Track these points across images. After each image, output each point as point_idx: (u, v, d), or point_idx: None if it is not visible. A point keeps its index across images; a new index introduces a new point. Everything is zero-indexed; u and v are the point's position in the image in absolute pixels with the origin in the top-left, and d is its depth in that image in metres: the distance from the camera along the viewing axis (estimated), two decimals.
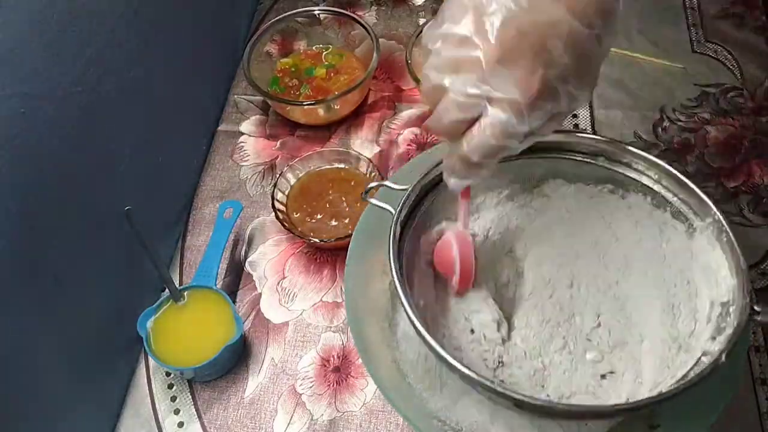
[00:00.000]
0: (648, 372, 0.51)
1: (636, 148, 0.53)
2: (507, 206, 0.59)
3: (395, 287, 0.48)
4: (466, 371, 0.43)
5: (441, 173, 0.53)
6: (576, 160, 0.56)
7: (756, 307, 0.43)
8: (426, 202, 0.54)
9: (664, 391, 0.43)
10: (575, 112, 0.79)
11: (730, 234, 0.47)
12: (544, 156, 0.56)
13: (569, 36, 0.39)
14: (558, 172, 0.57)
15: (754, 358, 0.63)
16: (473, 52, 0.40)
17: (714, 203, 0.49)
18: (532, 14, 0.39)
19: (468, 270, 0.52)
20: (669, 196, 0.52)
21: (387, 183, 0.55)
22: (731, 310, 0.45)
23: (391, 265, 0.48)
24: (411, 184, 0.53)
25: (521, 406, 0.43)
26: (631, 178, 0.54)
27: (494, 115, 0.40)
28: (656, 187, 0.53)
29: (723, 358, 0.42)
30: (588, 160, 0.55)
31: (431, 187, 0.54)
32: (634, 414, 0.49)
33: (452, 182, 0.46)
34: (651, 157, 0.53)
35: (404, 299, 0.47)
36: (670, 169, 0.52)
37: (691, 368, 0.45)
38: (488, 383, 0.43)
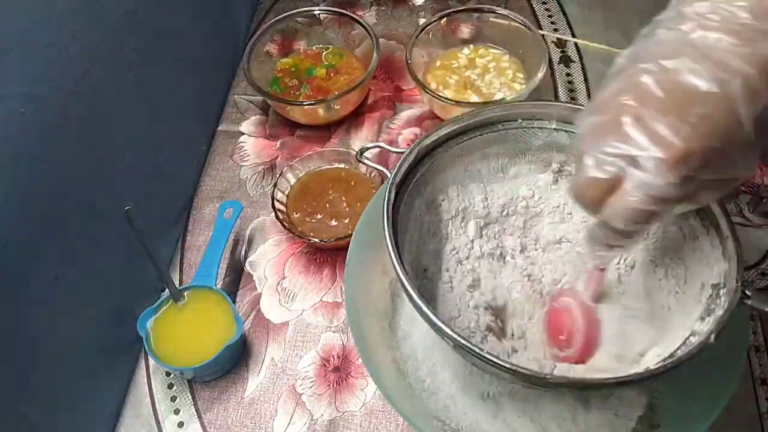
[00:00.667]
0: (635, 348, 0.51)
1: None
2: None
3: (389, 254, 0.46)
4: (456, 337, 0.43)
5: (440, 137, 0.52)
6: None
7: (747, 292, 0.43)
8: (423, 166, 0.52)
9: (651, 368, 0.43)
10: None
11: (727, 220, 0.46)
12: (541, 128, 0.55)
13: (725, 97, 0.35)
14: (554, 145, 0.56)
15: (754, 358, 0.63)
16: (613, 116, 0.37)
17: None
18: (675, 73, 0.36)
19: (590, 347, 0.50)
20: None
21: (382, 144, 0.53)
22: (722, 292, 0.44)
23: (385, 232, 0.47)
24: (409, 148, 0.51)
25: (503, 371, 0.43)
26: None
27: (635, 175, 0.37)
28: None
29: (712, 338, 0.41)
30: None
31: (429, 151, 0.53)
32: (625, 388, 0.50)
33: (597, 255, 0.44)
34: None
35: (398, 267, 0.45)
36: None
37: (679, 347, 0.45)
38: (476, 350, 0.42)
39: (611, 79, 0.39)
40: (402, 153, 0.51)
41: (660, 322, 0.50)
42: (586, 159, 0.39)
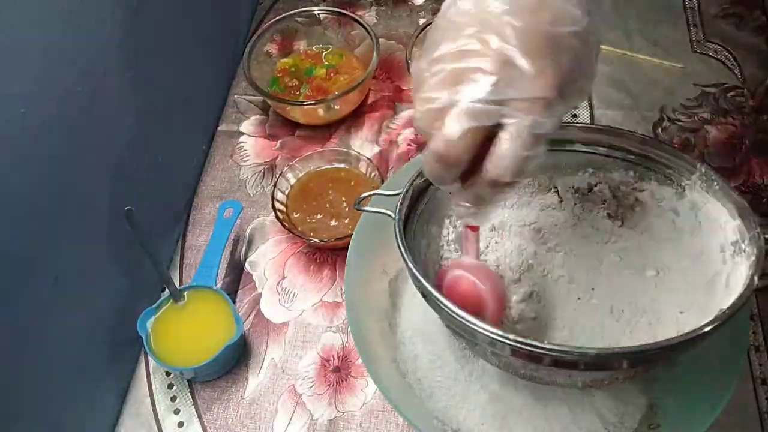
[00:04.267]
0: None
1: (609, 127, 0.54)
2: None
3: (413, 278, 0.46)
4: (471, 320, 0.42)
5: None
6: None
7: (767, 236, 0.44)
8: (421, 203, 0.53)
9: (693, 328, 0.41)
10: (575, 111, 0.79)
11: (720, 181, 0.48)
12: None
13: (573, 25, 0.37)
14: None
15: (754, 358, 0.63)
16: (476, 62, 0.36)
17: (694, 158, 0.50)
18: (532, 12, 0.36)
19: (501, 305, 0.49)
20: (651, 165, 0.53)
21: (379, 191, 0.53)
22: (744, 245, 0.46)
23: (405, 258, 0.46)
24: (403, 187, 0.51)
25: (519, 353, 0.41)
26: (612, 157, 0.55)
27: (519, 120, 0.36)
28: (637, 160, 0.54)
29: (756, 280, 0.42)
30: (560, 148, 0.55)
31: (425, 188, 0.53)
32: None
33: (469, 215, 0.43)
34: (624, 129, 0.53)
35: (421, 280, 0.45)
36: (646, 136, 0.53)
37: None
38: (492, 332, 0.41)
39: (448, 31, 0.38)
40: (398, 194, 0.51)
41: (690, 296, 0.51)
42: (460, 110, 0.37)
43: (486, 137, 0.37)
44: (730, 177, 0.73)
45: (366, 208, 0.52)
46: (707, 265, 0.50)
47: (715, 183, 0.49)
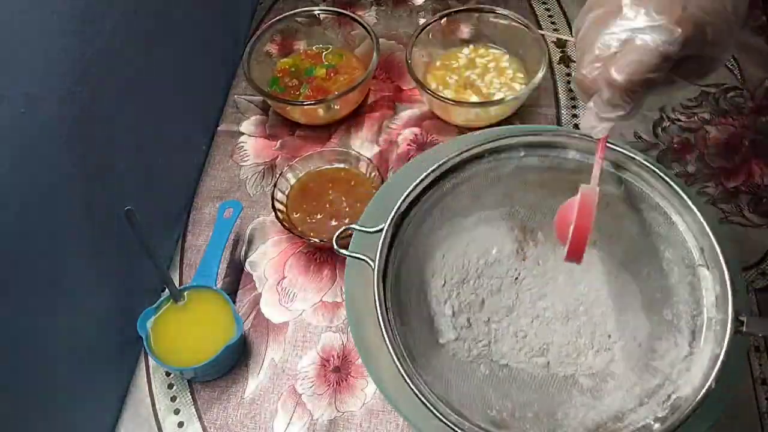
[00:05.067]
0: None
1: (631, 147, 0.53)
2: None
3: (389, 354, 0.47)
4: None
5: (411, 203, 0.53)
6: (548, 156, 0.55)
7: (741, 318, 0.45)
8: (400, 238, 0.53)
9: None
10: (577, 112, 0.79)
11: (719, 256, 0.47)
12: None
13: None
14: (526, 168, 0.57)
15: (754, 358, 0.63)
16: (613, 3, 0.43)
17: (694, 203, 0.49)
18: None
19: (580, 240, 0.47)
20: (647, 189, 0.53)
21: (357, 227, 0.52)
22: (714, 321, 0.46)
23: (382, 331, 0.48)
24: (384, 223, 0.51)
25: None
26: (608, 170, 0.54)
27: (643, 36, 0.42)
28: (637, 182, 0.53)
29: (713, 385, 0.44)
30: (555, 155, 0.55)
31: (402, 218, 0.53)
32: None
33: (596, 127, 0.46)
34: (627, 150, 0.52)
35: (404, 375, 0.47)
36: (650, 164, 0.52)
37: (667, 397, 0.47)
38: None
39: None
40: (379, 231, 0.51)
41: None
42: (595, 43, 0.44)
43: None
44: (730, 177, 0.73)
45: (344, 252, 0.52)
46: (669, 299, 0.50)
47: (713, 251, 0.48)
